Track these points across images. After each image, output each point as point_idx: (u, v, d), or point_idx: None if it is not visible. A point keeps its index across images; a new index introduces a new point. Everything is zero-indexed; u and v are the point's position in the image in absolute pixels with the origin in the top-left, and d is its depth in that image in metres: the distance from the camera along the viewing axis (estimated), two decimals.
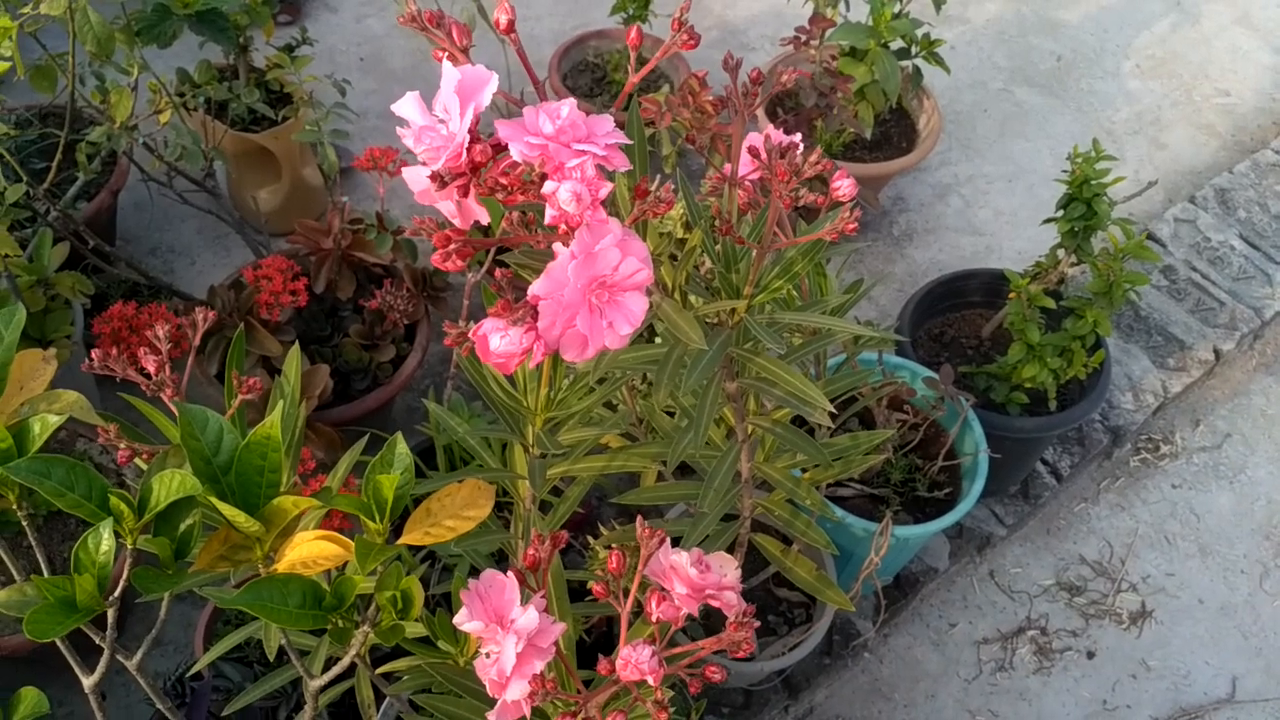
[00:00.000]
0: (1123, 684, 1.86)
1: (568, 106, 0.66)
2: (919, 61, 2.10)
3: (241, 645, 1.48)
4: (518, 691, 0.73)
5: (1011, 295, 1.77)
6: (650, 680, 0.71)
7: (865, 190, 2.21)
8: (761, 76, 0.80)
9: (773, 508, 1.29)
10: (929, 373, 1.73)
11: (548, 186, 0.66)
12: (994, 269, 1.98)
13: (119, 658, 0.86)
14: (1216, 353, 2.24)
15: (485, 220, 0.71)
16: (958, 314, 2.02)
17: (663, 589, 0.80)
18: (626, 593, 0.78)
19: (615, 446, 1.33)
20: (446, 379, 1.81)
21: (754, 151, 0.79)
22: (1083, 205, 1.67)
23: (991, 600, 1.95)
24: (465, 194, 0.68)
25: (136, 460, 0.90)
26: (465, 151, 0.66)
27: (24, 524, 0.84)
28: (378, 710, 1.25)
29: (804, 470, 1.39)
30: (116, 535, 0.72)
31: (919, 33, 2.04)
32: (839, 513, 1.60)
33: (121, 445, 0.90)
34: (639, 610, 0.78)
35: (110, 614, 0.77)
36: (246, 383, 0.93)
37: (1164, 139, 2.67)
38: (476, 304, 1.66)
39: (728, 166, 0.88)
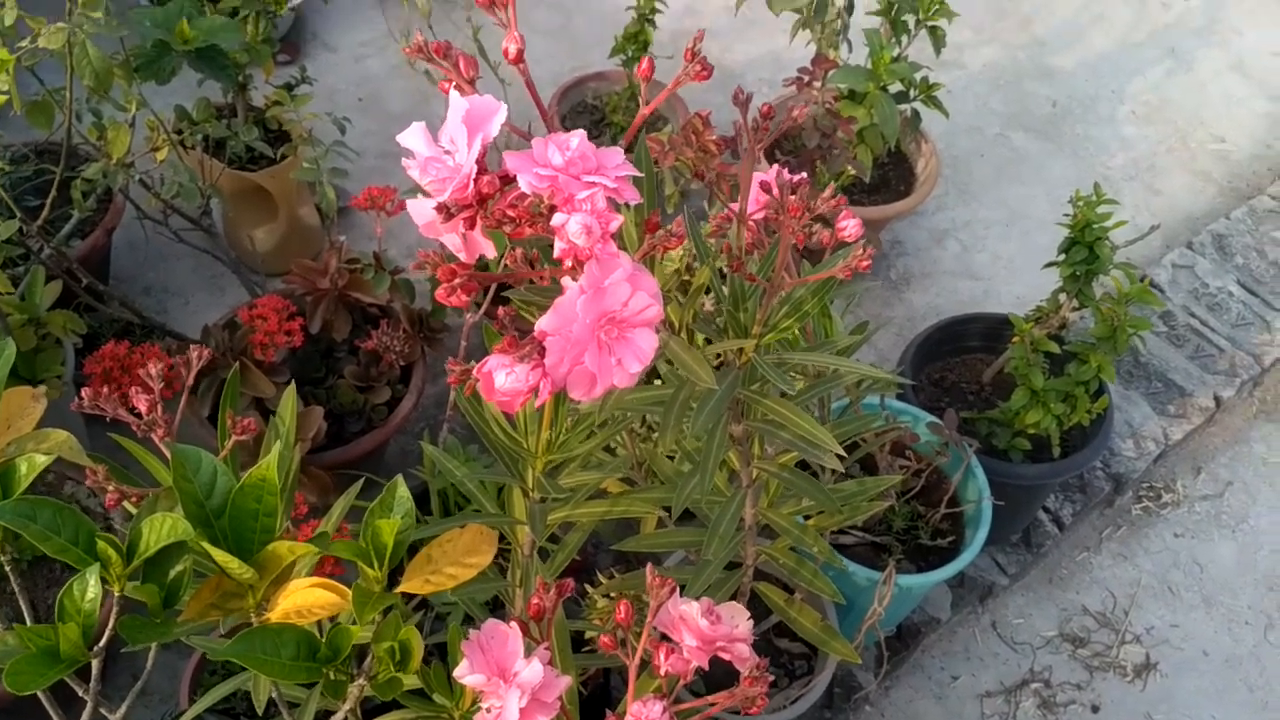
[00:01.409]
0: None
1: (577, 138, 0.65)
2: (917, 105, 2.10)
3: (228, 695, 1.43)
4: None
5: (1015, 340, 1.75)
6: None
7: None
8: (773, 111, 0.78)
9: (777, 555, 1.26)
10: (931, 418, 1.71)
11: (557, 219, 0.64)
12: (995, 313, 1.97)
13: (102, 710, 0.82)
14: (1217, 400, 2.23)
15: (491, 254, 0.69)
16: (958, 359, 2.00)
17: (670, 640, 0.77)
18: (632, 644, 0.75)
19: (614, 491, 1.30)
20: (442, 421, 1.78)
21: (766, 187, 0.78)
22: (1085, 249, 1.66)
23: (994, 651, 1.92)
24: (472, 226, 0.66)
25: (125, 504, 0.87)
26: (472, 183, 0.64)
27: (7, 569, 0.81)
28: None
29: (808, 517, 1.36)
30: (103, 582, 0.69)
31: (918, 76, 2.05)
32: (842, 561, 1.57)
33: (110, 488, 0.87)
34: (645, 663, 0.75)
35: (95, 665, 0.74)
36: (240, 423, 0.91)
37: (1160, 185, 2.67)
38: (474, 345, 1.64)
39: (734, 205, 0.86)
